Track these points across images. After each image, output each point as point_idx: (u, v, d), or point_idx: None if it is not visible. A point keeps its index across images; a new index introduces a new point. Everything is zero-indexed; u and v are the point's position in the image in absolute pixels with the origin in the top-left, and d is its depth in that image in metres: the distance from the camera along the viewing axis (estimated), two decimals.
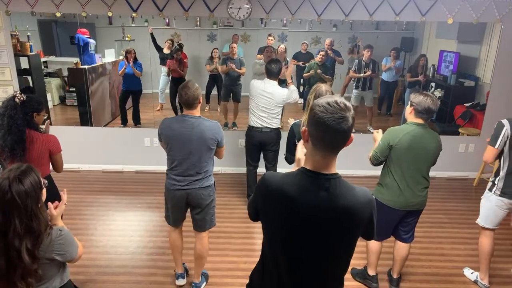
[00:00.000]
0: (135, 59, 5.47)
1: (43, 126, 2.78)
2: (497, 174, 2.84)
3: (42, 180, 1.67)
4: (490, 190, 2.88)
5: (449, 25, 4.62)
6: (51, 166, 2.77)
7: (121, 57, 5.68)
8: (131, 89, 5.60)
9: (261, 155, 4.17)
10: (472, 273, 3.18)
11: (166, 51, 5.87)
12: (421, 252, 3.52)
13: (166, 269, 3.22)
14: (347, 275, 3.12)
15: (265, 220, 1.45)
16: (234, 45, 5.42)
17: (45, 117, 2.75)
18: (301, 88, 5.88)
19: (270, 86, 3.84)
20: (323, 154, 1.31)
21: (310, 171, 1.34)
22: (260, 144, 4.02)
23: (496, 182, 2.83)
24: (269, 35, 5.58)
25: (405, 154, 2.60)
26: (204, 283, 3.05)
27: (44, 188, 1.70)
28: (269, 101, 3.85)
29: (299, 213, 1.33)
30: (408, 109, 2.66)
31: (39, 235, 1.60)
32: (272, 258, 1.45)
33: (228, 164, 5.05)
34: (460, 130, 5.25)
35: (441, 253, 3.52)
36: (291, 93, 3.88)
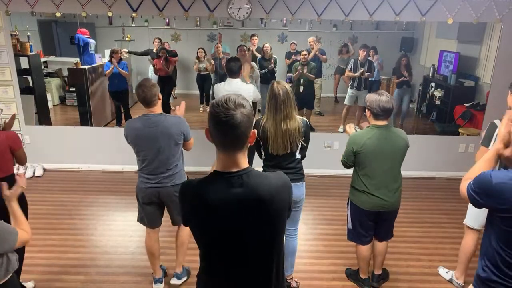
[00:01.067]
0: (120, 59, 5.45)
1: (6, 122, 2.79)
2: None
3: None
4: None
5: (449, 25, 4.62)
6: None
7: (123, 57, 5.69)
8: (117, 89, 5.60)
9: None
10: (447, 272, 3.18)
11: (155, 50, 5.89)
12: (421, 252, 3.52)
13: (166, 269, 3.22)
14: (341, 275, 3.16)
15: (194, 226, 1.45)
16: (219, 45, 5.47)
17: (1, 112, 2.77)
18: None
19: (234, 84, 3.80)
20: (225, 153, 1.35)
21: (221, 172, 1.37)
22: None
23: None
24: (253, 35, 5.62)
25: (371, 158, 2.61)
26: (185, 277, 3.05)
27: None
28: None
29: (220, 215, 1.35)
30: (367, 113, 2.66)
31: None
32: (206, 259, 1.47)
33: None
34: (460, 130, 5.25)
35: (441, 253, 3.51)
36: (255, 93, 3.90)
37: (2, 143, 2.58)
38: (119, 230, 3.80)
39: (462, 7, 4.50)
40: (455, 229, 3.92)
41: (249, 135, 1.35)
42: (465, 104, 5.42)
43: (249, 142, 1.37)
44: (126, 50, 5.85)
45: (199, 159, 4.63)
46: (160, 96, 2.66)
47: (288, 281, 2.96)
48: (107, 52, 5.79)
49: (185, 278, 3.05)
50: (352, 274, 3.15)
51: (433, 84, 5.81)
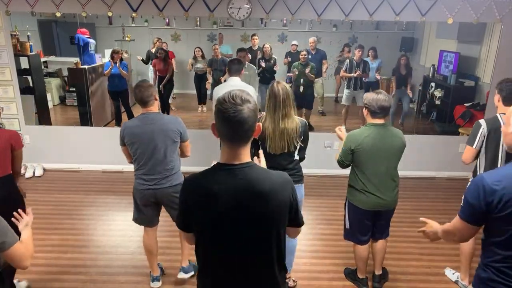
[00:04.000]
0: (120, 59, 5.46)
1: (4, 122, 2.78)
2: (474, 174, 2.84)
3: None
4: None
5: (449, 25, 4.62)
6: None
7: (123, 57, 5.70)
8: (116, 90, 5.60)
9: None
10: (453, 273, 3.19)
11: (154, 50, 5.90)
12: (421, 252, 3.52)
13: (166, 269, 3.22)
14: (340, 274, 3.16)
15: (195, 222, 1.46)
16: (217, 46, 5.47)
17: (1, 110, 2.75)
18: None
19: (236, 81, 3.80)
20: (229, 146, 1.39)
21: (223, 164, 1.41)
22: None
23: None
24: (253, 35, 5.62)
25: (368, 157, 2.61)
26: (193, 272, 3.05)
27: None
28: None
29: (221, 205, 1.38)
30: (364, 111, 2.66)
31: None
32: (205, 257, 1.49)
33: None
34: (460, 130, 5.25)
35: (441, 253, 3.51)
36: (254, 94, 3.85)
37: (5, 140, 2.58)
38: (119, 230, 3.80)
39: (462, 7, 4.50)
40: None
41: (255, 129, 1.39)
42: (465, 104, 5.42)
43: (253, 135, 1.40)
44: (139, 58, 5.91)
45: (195, 159, 4.62)
46: (157, 97, 2.71)
47: (286, 280, 2.96)
48: (107, 52, 5.80)
49: (192, 273, 3.05)
50: (350, 274, 3.15)
51: (433, 84, 5.81)
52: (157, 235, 2.99)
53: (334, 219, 3.99)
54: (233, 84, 3.80)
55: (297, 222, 1.54)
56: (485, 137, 2.69)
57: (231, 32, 5.73)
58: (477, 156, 2.78)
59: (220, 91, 3.85)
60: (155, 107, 2.70)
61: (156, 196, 2.75)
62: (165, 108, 5.81)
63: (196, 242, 1.52)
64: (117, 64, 5.38)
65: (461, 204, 1.66)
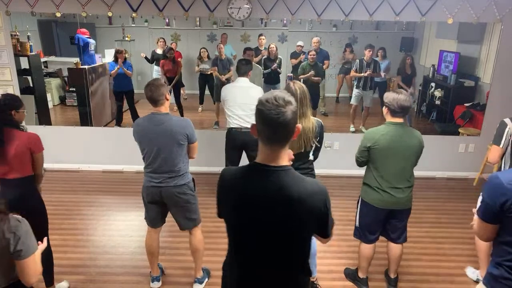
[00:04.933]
0: (125, 59, 5.45)
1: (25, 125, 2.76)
2: None
3: None
4: None
5: (449, 25, 4.62)
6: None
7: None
8: (122, 90, 5.60)
9: (242, 158, 4.07)
10: (473, 272, 3.19)
11: (159, 50, 5.88)
12: (421, 252, 3.52)
13: (166, 269, 3.22)
14: (341, 275, 3.16)
15: (224, 212, 1.52)
16: (221, 45, 5.44)
17: (25, 112, 2.72)
18: None
19: (243, 82, 3.82)
20: (269, 147, 1.38)
21: (259, 163, 1.40)
22: (242, 145, 3.88)
23: None
24: (260, 35, 5.61)
25: (385, 155, 2.61)
26: (206, 278, 3.07)
27: None
28: (246, 95, 3.74)
29: (249, 203, 1.40)
30: (384, 110, 2.67)
31: None
32: (233, 250, 1.52)
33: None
34: (460, 130, 5.25)
35: (441, 253, 3.52)
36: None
37: (23, 144, 2.55)
38: (119, 230, 3.80)
39: (462, 7, 4.50)
40: (455, 229, 3.92)
41: (295, 130, 1.37)
42: (465, 104, 5.42)
43: (293, 137, 1.38)
44: (143, 55, 5.89)
45: (201, 160, 4.62)
46: (168, 97, 2.67)
47: (311, 282, 2.96)
48: (107, 52, 5.80)
49: (206, 279, 3.07)
50: (350, 274, 3.15)
51: (433, 84, 5.81)
52: (159, 236, 2.98)
53: (336, 219, 3.97)
54: (242, 85, 3.81)
55: (324, 233, 1.51)
56: (511, 136, 2.71)
57: (231, 32, 5.72)
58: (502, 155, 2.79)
59: (229, 92, 3.85)
60: (166, 107, 2.67)
61: (161, 195, 2.74)
62: (178, 108, 5.81)
63: (227, 232, 1.54)
64: (119, 62, 5.37)
65: (479, 203, 1.67)
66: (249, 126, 3.79)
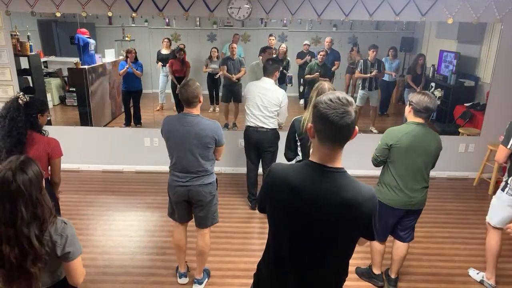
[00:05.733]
0: (136, 59, 5.47)
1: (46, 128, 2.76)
2: (510, 174, 2.84)
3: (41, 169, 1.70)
4: (503, 189, 2.86)
5: (449, 25, 4.62)
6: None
7: (121, 57, 5.68)
8: (131, 90, 5.60)
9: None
10: (477, 273, 3.17)
11: (164, 51, 5.87)
12: (421, 252, 3.52)
13: (166, 269, 3.22)
14: (353, 275, 3.15)
15: (270, 209, 1.50)
16: (234, 45, 5.40)
17: (49, 118, 2.72)
18: (301, 88, 5.88)
19: (266, 83, 3.84)
20: (329, 147, 1.36)
21: (315, 163, 1.39)
22: (257, 144, 3.97)
23: (509, 182, 2.82)
24: (270, 35, 5.57)
25: (405, 154, 2.61)
26: (206, 279, 3.07)
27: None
28: (264, 98, 3.79)
29: (301, 201, 1.38)
30: (407, 109, 2.68)
31: (44, 221, 1.64)
32: (276, 247, 1.50)
33: (228, 164, 5.05)
34: (460, 130, 5.25)
35: (441, 253, 3.52)
36: (285, 99, 3.85)
37: (42, 148, 2.56)
38: (119, 230, 3.80)
39: (462, 7, 4.50)
40: (455, 229, 3.93)
41: (355, 130, 1.36)
42: (465, 104, 5.42)
43: (350, 139, 1.37)
44: (160, 64, 5.85)
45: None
46: (201, 99, 2.68)
47: None
48: (107, 52, 5.79)
49: (206, 280, 3.07)
50: (364, 273, 3.14)
51: (433, 84, 5.81)
52: (187, 231, 2.97)
53: None
54: (264, 87, 3.83)
55: (371, 236, 1.51)
56: None
57: (231, 32, 5.71)
58: (510, 155, 2.80)
59: (251, 91, 3.89)
60: (197, 108, 2.68)
61: (188, 194, 2.74)
62: (178, 109, 5.78)
63: (269, 228, 1.53)
64: (128, 62, 5.36)
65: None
66: (264, 126, 3.86)
